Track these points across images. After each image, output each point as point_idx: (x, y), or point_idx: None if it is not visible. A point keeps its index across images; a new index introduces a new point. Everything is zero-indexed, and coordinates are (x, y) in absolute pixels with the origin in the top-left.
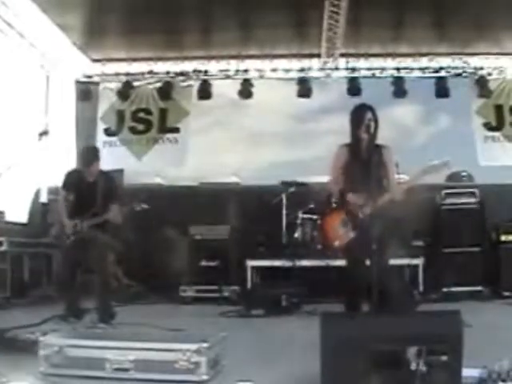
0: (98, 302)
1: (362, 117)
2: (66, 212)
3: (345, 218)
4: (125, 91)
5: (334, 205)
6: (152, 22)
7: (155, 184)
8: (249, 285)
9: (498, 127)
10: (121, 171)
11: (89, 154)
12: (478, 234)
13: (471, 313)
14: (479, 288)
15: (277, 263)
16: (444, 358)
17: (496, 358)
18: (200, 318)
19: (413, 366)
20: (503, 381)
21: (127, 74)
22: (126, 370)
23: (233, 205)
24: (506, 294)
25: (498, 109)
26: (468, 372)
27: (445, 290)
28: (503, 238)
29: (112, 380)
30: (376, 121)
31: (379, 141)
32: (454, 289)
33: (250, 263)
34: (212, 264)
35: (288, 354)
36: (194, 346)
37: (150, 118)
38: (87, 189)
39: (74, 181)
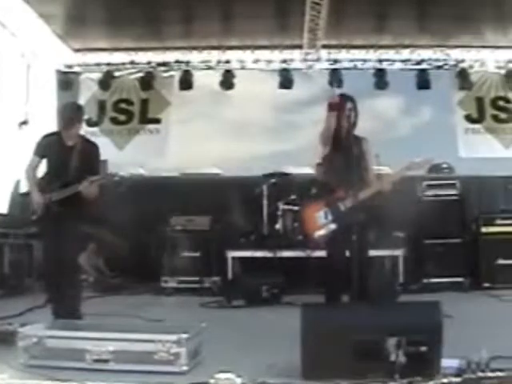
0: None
1: (342, 107)
2: (35, 184)
3: (325, 209)
4: (106, 81)
5: (315, 196)
6: (134, 11)
7: (137, 175)
8: (230, 276)
9: (478, 119)
10: (104, 162)
11: (71, 112)
12: (458, 225)
13: (451, 304)
14: (459, 279)
15: (258, 254)
16: (423, 348)
17: (475, 349)
18: (181, 309)
19: (392, 357)
20: (482, 371)
21: (108, 64)
22: (106, 360)
23: (214, 196)
24: (486, 285)
25: (479, 101)
26: (447, 362)
27: (425, 281)
28: (483, 229)
29: (92, 371)
30: (356, 111)
31: (361, 132)
32: (434, 280)
33: (231, 254)
34: (193, 255)
35: (268, 345)
36: (173, 337)
37: (131, 108)
38: (64, 154)
39: (48, 145)
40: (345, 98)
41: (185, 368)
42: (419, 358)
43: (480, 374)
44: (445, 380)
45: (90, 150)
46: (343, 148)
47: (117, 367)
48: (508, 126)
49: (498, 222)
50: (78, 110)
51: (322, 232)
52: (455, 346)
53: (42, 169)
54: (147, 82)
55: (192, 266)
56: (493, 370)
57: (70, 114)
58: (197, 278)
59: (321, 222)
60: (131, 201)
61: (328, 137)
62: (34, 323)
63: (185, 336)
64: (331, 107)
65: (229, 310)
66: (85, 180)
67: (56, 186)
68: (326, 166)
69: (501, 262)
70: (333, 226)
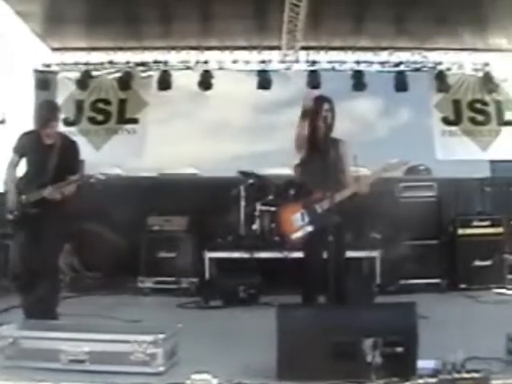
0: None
1: (319, 108)
2: (13, 183)
3: (302, 211)
4: (84, 81)
5: (292, 197)
6: (112, 11)
7: (114, 174)
8: (207, 276)
9: (455, 122)
10: (82, 162)
11: (47, 111)
12: (435, 227)
13: (428, 305)
14: (436, 280)
15: (235, 255)
16: (399, 349)
17: (451, 350)
18: (158, 310)
19: (368, 358)
20: (458, 372)
21: (86, 64)
22: (81, 361)
23: (191, 196)
24: (463, 286)
25: (456, 103)
26: (423, 363)
27: (402, 282)
28: (460, 231)
29: (67, 372)
30: (333, 112)
31: (339, 133)
32: (411, 281)
33: (208, 255)
34: (170, 255)
35: (245, 345)
36: (149, 338)
37: (109, 108)
38: (42, 153)
39: (27, 143)
40: (322, 99)
41: (161, 369)
42: (395, 358)
43: (455, 375)
44: (420, 381)
45: (69, 148)
46: (320, 150)
47: (92, 368)
48: (485, 129)
49: (475, 223)
50: (55, 108)
51: (298, 234)
52: (431, 346)
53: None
54: (125, 81)
55: (169, 266)
56: (468, 371)
57: (46, 113)
58: (174, 279)
59: (297, 223)
60: (108, 201)
61: (300, 144)
62: (11, 324)
63: (161, 337)
64: (304, 114)
65: (206, 311)
66: (61, 182)
67: (34, 185)
68: (303, 167)
69: (477, 263)
70: (309, 228)
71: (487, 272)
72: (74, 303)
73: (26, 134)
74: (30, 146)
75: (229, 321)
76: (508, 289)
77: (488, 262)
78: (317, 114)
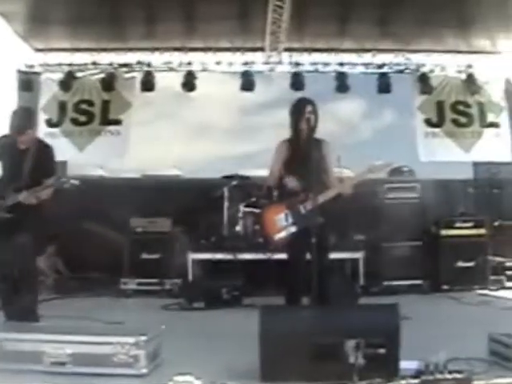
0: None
1: (302, 110)
2: None
3: (286, 212)
4: (67, 82)
5: (276, 199)
6: (96, 12)
7: (97, 176)
8: (190, 277)
9: (438, 123)
10: (63, 163)
11: (22, 119)
12: (418, 228)
13: (411, 306)
14: (419, 281)
15: (218, 256)
16: (382, 350)
17: (434, 351)
18: (141, 311)
19: (351, 359)
20: (440, 373)
21: (70, 65)
22: (64, 363)
23: (174, 197)
24: (445, 287)
25: (439, 105)
26: (405, 364)
27: (385, 283)
28: (443, 232)
29: (49, 374)
30: (316, 114)
31: (322, 135)
32: (394, 282)
33: (192, 256)
34: (153, 257)
35: (228, 347)
36: (132, 339)
37: (92, 109)
38: (17, 158)
39: (3, 147)
40: (305, 101)
41: (144, 370)
42: (378, 359)
43: (438, 376)
44: (403, 381)
45: (44, 152)
46: (303, 151)
47: (74, 370)
48: (468, 131)
49: (458, 225)
50: (29, 116)
51: (281, 235)
52: (414, 347)
53: None
54: (109, 82)
55: (152, 267)
56: (450, 372)
57: (21, 120)
58: (157, 280)
59: (281, 224)
60: (91, 202)
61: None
62: None
63: (144, 338)
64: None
65: (189, 312)
66: (37, 186)
67: (10, 190)
68: (286, 168)
69: (460, 264)
70: (293, 229)
71: (470, 273)
72: (57, 305)
73: (4, 137)
74: (5, 150)
75: (212, 322)
76: (491, 290)
77: (471, 264)
78: (300, 116)
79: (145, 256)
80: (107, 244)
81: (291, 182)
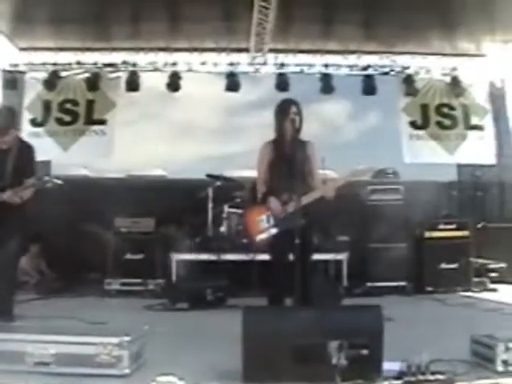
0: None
1: (287, 111)
2: None
3: (267, 213)
4: (51, 81)
5: (259, 200)
6: (81, 11)
7: (81, 175)
8: (174, 278)
9: (423, 126)
10: (48, 163)
11: (3, 118)
12: (402, 230)
13: (394, 307)
14: (403, 283)
15: (202, 257)
16: (364, 351)
17: (416, 352)
18: (124, 311)
19: (334, 360)
20: (422, 374)
21: (54, 64)
22: (47, 363)
23: (159, 198)
24: (429, 288)
25: (424, 108)
26: (388, 365)
27: (369, 284)
28: (427, 234)
29: (32, 374)
30: (301, 115)
31: (307, 136)
32: (377, 284)
33: (175, 256)
34: (137, 257)
35: (211, 348)
36: (115, 340)
37: (77, 109)
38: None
39: None
40: (290, 102)
41: (127, 371)
42: (360, 360)
43: (420, 377)
44: (386, 382)
45: (25, 152)
46: (288, 152)
47: (58, 370)
48: (452, 133)
49: (441, 227)
50: (12, 115)
51: (263, 236)
52: (397, 348)
53: None
54: (93, 82)
55: (136, 268)
56: (433, 373)
57: (4, 120)
58: (140, 281)
59: (262, 226)
60: (75, 202)
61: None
62: None
63: (127, 338)
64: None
65: (172, 313)
66: (18, 186)
67: None
68: (270, 169)
69: (443, 266)
70: (274, 231)
71: (453, 275)
72: (40, 305)
73: None
74: None
75: (195, 323)
76: (474, 291)
77: (454, 265)
78: (285, 117)
79: (129, 256)
80: (91, 244)
81: (274, 203)
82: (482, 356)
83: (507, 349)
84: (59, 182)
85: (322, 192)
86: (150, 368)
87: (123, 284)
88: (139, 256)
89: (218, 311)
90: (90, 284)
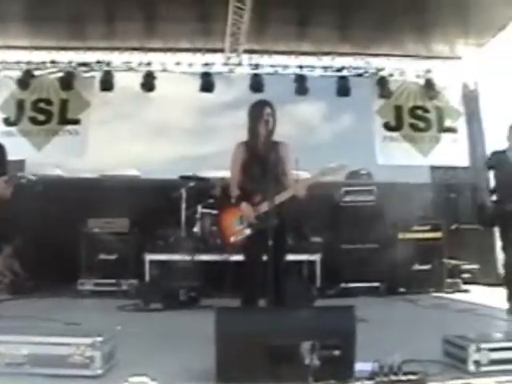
0: None
1: (260, 112)
2: None
3: (241, 214)
4: (25, 80)
5: (233, 201)
6: (55, 10)
7: (54, 175)
8: (147, 278)
9: (396, 127)
10: (21, 162)
11: None
12: (375, 231)
13: (367, 308)
14: (376, 284)
15: (175, 257)
16: (337, 352)
17: (389, 353)
18: (98, 312)
19: (306, 361)
20: (395, 374)
21: (28, 63)
22: (19, 364)
23: (132, 198)
24: (402, 290)
25: (398, 109)
26: (361, 366)
27: (342, 285)
28: (400, 235)
29: (5, 375)
30: (274, 117)
31: (281, 137)
32: (351, 284)
33: (149, 257)
34: (110, 257)
35: (184, 348)
36: (88, 340)
37: (51, 108)
38: None
39: None
40: (264, 103)
41: (99, 371)
42: (333, 361)
43: (392, 377)
44: (358, 383)
45: None
46: (261, 154)
47: (30, 370)
48: (426, 135)
49: (415, 228)
50: None
51: (236, 237)
52: (369, 349)
53: None
54: (67, 81)
55: (109, 268)
56: (405, 373)
57: None
58: (114, 281)
59: (236, 226)
60: (48, 202)
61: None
62: None
63: (99, 339)
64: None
65: (146, 313)
66: None
67: None
68: (243, 170)
69: (417, 267)
70: (248, 231)
71: (426, 276)
72: (13, 306)
73: None
74: None
75: (169, 323)
76: (446, 292)
77: (427, 266)
78: (258, 118)
79: (102, 256)
80: (64, 244)
81: (246, 209)
82: (454, 356)
83: (479, 349)
84: (33, 177)
85: (293, 191)
86: (123, 368)
87: (96, 284)
88: (113, 256)
89: (192, 312)
90: (64, 284)
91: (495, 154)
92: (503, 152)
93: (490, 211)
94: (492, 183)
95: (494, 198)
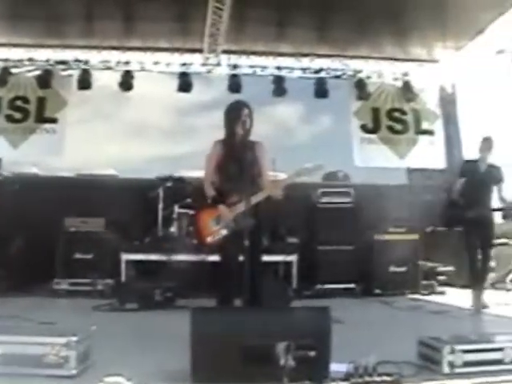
0: None
1: (238, 113)
2: None
3: (218, 214)
4: (2, 78)
5: (209, 201)
6: (34, 8)
7: (31, 174)
8: (123, 278)
9: (374, 130)
10: None
11: None
12: (351, 232)
13: (343, 309)
14: (352, 285)
15: (152, 257)
16: (312, 353)
17: (364, 354)
18: (73, 312)
19: (281, 361)
20: (369, 375)
21: (5, 60)
22: None
23: (109, 197)
24: (378, 291)
25: (375, 112)
26: (335, 367)
27: (318, 286)
28: (376, 237)
29: None
30: (251, 117)
31: (258, 138)
32: (327, 286)
33: (125, 257)
34: (86, 257)
35: (160, 348)
36: (63, 340)
37: (28, 106)
38: None
39: None
40: (241, 104)
41: (74, 371)
42: (308, 362)
43: (367, 378)
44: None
45: None
46: (237, 153)
47: (4, 370)
48: (403, 137)
49: (391, 230)
50: None
51: (213, 237)
52: (345, 350)
53: None
54: (45, 80)
55: (85, 267)
56: (380, 375)
57: None
58: (90, 281)
59: (213, 227)
60: (25, 200)
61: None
62: None
63: (74, 339)
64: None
65: (121, 313)
66: None
67: None
68: (219, 170)
69: (393, 269)
70: (224, 232)
71: (402, 278)
72: None
73: None
74: None
75: (144, 324)
76: (422, 294)
77: (403, 268)
78: (235, 119)
79: (78, 256)
80: (40, 243)
81: (223, 211)
82: (429, 358)
83: (453, 351)
84: (9, 174)
85: (269, 192)
86: (98, 368)
87: (72, 284)
88: (88, 256)
89: (167, 312)
90: (39, 284)
91: (468, 162)
92: (475, 162)
93: (451, 214)
94: (461, 189)
95: (460, 202)
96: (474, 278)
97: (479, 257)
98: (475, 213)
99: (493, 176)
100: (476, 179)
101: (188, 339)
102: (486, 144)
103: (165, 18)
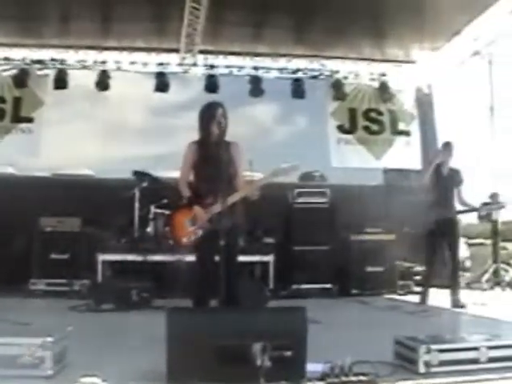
0: None
1: (213, 113)
2: None
3: (194, 215)
4: None
5: (185, 201)
6: (9, 7)
7: (6, 173)
8: (99, 279)
9: (351, 130)
10: None
11: None
12: (328, 232)
13: (320, 309)
14: (328, 285)
15: (128, 257)
16: (288, 353)
17: (340, 354)
18: (49, 312)
19: (258, 361)
20: (345, 375)
21: None
22: None
23: (85, 197)
24: (355, 291)
25: (352, 112)
26: (312, 367)
27: (295, 286)
28: (353, 237)
29: None
30: (226, 118)
31: (235, 138)
32: (303, 286)
33: (101, 257)
34: (62, 257)
35: (136, 349)
36: (38, 341)
37: (4, 106)
38: None
39: None
40: (216, 105)
41: (49, 372)
42: (284, 362)
43: (343, 378)
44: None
45: None
46: (213, 154)
47: None
48: (379, 138)
49: (368, 230)
50: None
51: (188, 238)
52: (321, 350)
53: None
54: (21, 79)
55: (61, 268)
56: (356, 374)
57: None
58: (66, 281)
59: (188, 227)
60: (0, 200)
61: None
62: None
63: (50, 339)
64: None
65: (97, 314)
66: None
67: None
68: (195, 170)
69: (369, 269)
70: (200, 232)
71: (379, 278)
72: None
73: None
74: None
75: (120, 324)
76: (399, 294)
77: (379, 268)
78: (210, 120)
79: (54, 256)
80: (16, 243)
81: (199, 213)
82: (405, 358)
83: (429, 350)
84: None
85: (245, 192)
86: (74, 369)
87: (48, 284)
88: (64, 256)
89: (143, 312)
90: (15, 284)
91: (437, 165)
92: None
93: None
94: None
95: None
96: (431, 277)
97: (447, 257)
98: (440, 215)
99: (454, 179)
100: (439, 183)
101: (164, 339)
102: (447, 148)
103: (141, 18)
